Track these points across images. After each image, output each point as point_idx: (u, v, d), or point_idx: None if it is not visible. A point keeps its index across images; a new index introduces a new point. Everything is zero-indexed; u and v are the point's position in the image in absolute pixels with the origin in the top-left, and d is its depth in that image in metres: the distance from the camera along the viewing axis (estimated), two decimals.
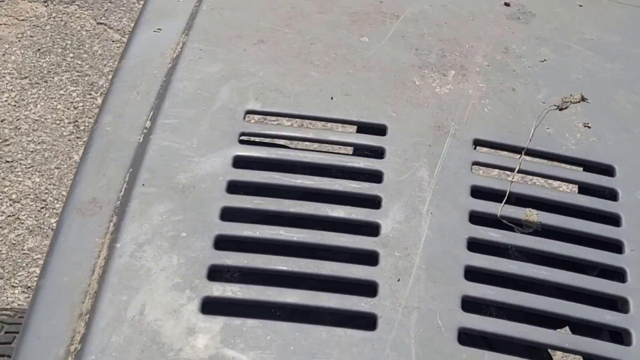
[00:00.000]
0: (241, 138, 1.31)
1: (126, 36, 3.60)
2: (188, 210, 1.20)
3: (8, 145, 3.19)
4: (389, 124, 1.35)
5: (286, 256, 1.15)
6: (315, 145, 1.54)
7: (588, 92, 1.46)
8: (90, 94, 3.38)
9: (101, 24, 3.67)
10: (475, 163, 1.31)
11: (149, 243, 1.16)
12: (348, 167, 1.29)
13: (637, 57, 1.57)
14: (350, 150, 1.43)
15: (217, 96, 1.38)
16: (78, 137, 3.22)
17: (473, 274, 1.16)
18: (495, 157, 1.35)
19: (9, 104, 3.32)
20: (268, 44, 1.49)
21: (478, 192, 1.26)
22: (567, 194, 1.32)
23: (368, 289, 1.13)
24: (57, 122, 3.28)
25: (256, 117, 1.34)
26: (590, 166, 1.37)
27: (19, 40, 3.56)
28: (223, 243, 1.17)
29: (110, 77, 3.41)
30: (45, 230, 2.93)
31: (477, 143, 1.34)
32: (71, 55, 3.52)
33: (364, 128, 1.37)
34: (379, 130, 1.34)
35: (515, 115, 1.40)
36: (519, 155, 1.33)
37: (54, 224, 2.97)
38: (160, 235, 1.17)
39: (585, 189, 1.36)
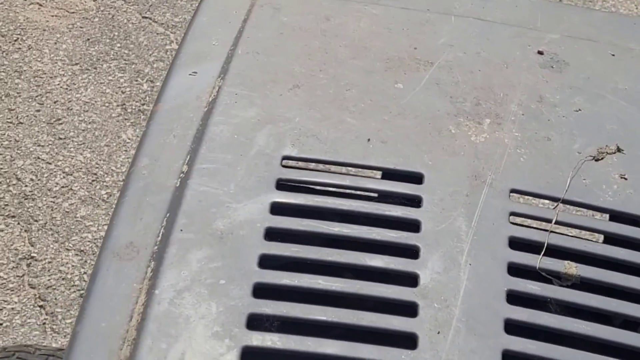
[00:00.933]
0: (279, 184, 1.29)
1: (170, 29, 3.81)
2: (226, 257, 1.19)
3: (61, 124, 3.37)
4: (426, 172, 1.34)
5: (325, 305, 1.14)
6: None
7: (623, 143, 1.44)
8: (136, 80, 3.57)
9: (146, 17, 3.87)
10: (513, 213, 1.29)
11: (187, 290, 1.14)
12: (386, 216, 1.27)
13: None
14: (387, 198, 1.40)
15: (254, 141, 1.37)
16: (126, 119, 3.41)
17: (513, 327, 1.15)
18: (532, 207, 1.35)
19: (61, 87, 3.51)
20: (303, 89, 1.48)
21: (516, 244, 1.25)
22: (605, 246, 1.30)
23: (408, 341, 1.12)
24: (106, 104, 3.47)
25: (293, 162, 1.35)
26: (628, 218, 1.34)
27: (70, 31, 3.75)
28: (262, 291, 1.15)
29: (155, 65, 3.62)
30: (96, 201, 3.11)
31: (514, 193, 1.33)
32: (118, 45, 3.72)
33: (400, 176, 1.35)
34: (416, 178, 1.33)
35: (551, 165, 1.39)
36: (555, 205, 1.32)
37: (105, 195, 3.16)
38: (198, 282, 1.15)
39: (623, 241, 1.32)
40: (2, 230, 2.97)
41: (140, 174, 1.33)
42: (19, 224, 2.99)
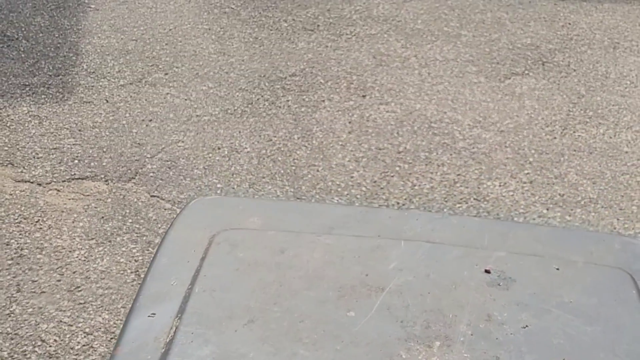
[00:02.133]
0: None
1: (176, 205, 4.19)
2: None
3: (80, 290, 3.67)
4: None
5: None
6: None
7: (571, 357, 1.47)
8: (148, 250, 3.90)
9: (154, 196, 4.26)
10: None
11: None
12: None
13: (615, 319, 1.57)
14: None
15: None
16: (139, 283, 3.72)
17: None
18: None
19: (79, 259, 3.83)
20: (258, 323, 1.50)
21: None
22: None
23: None
24: (121, 272, 3.78)
25: None
26: None
27: (85, 211, 4.13)
28: None
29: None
30: None
31: None
32: (130, 220, 4.08)
33: None
34: None
35: None
36: None
37: None
38: None
39: None
40: None
41: None
42: None
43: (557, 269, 1.69)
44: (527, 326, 1.52)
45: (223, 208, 1.93)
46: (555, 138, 4.94)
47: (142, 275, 3.70)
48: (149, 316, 1.54)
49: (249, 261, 1.66)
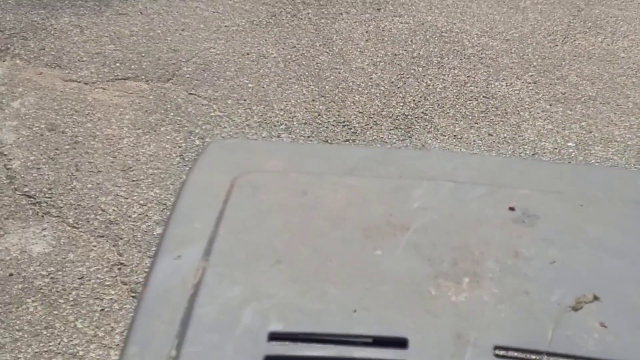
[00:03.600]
0: None
1: (212, 102, 4.60)
2: None
3: (132, 171, 4.08)
4: (410, 336, 1.34)
5: None
6: None
7: (599, 291, 1.44)
8: (190, 138, 4.31)
9: (192, 94, 4.66)
10: None
11: None
12: None
13: None
14: None
15: (240, 320, 1.37)
16: (185, 165, 4.13)
17: None
18: None
19: (129, 145, 4.24)
20: (285, 263, 1.48)
21: None
22: None
23: None
24: (167, 156, 4.19)
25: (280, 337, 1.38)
26: None
27: (130, 106, 4.53)
28: None
29: (203, 127, 4.38)
30: None
31: (498, 349, 1.33)
32: (172, 114, 4.49)
33: (386, 342, 1.36)
34: (401, 343, 1.34)
35: (532, 319, 1.39)
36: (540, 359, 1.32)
37: None
38: None
39: None
40: (95, 245, 3.62)
41: None
42: (107, 241, 3.65)
43: (581, 205, 1.67)
44: (554, 262, 1.50)
45: (243, 151, 1.93)
46: (557, 46, 5.33)
47: (187, 159, 4.12)
48: (174, 259, 1.51)
49: (272, 203, 1.64)
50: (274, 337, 1.34)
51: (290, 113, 4.56)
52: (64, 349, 3.17)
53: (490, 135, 4.48)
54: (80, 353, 3.16)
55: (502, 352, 1.32)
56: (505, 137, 4.46)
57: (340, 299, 1.41)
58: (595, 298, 1.43)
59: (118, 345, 3.20)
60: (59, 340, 3.21)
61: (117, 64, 4.87)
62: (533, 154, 4.33)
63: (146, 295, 1.45)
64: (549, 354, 1.31)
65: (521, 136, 4.48)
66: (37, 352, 3.15)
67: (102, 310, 3.35)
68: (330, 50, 5.14)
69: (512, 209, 1.63)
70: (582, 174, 1.90)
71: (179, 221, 1.63)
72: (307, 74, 4.90)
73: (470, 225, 1.59)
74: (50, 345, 3.18)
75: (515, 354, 1.34)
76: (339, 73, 4.93)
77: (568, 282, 1.46)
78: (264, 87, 4.75)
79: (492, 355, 1.31)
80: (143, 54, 4.98)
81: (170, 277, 1.48)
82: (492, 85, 4.90)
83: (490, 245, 1.53)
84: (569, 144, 4.45)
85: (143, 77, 4.77)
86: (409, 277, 1.46)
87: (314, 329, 1.35)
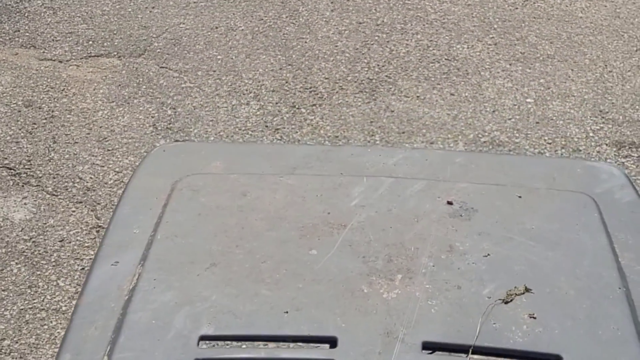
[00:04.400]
0: None
1: (183, 74, 4.76)
2: None
3: (108, 141, 4.25)
4: (340, 335, 1.35)
5: None
6: None
7: (532, 283, 1.45)
8: (162, 108, 4.47)
9: (163, 67, 4.82)
10: None
11: None
12: None
13: (577, 242, 1.56)
14: None
15: (171, 324, 1.37)
16: (157, 134, 4.28)
17: None
18: (444, 358, 1.35)
19: (103, 118, 4.40)
20: (220, 266, 1.48)
21: None
22: None
23: None
24: (141, 126, 4.35)
25: (210, 341, 1.40)
26: (538, 358, 1.35)
27: (104, 80, 4.69)
28: None
29: (175, 98, 4.54)
30: None
31: (426, 346, 1.34)
32: (144, 87, 4.65)
33: (315, 341, 1.37)
34: (331, 342, 1.35)
35: (462, 313, 1.39)
36: (466, 355, 1.33)
37: None
38: None
39: None
40: (74, 211, 3.79)
41: None
42: (85, 206, 3.82)
43: (520, 196, 1.68)
44: (488, 255, 1.51)
45: (185, 154, 1.94)
46: (517, 9, 5.51)
47: (159, 128, 4.28)
48: (112, 265, 1.53)
49: (211, 206, 1.65)
50: (205, 340, 1.36)
51: (259, 82, 4.72)
52: (47, 305, 3.34)
53: (452, 94, 4.66)
54: (63, 308, 3.33)
55: (429, 349, 1.34)
56: (466, 96, 4.64)
57: (273, 300, 1.42)
58: (527, 290, 1.44)
59: None
60: (42, 297, 3.37)
61: (90, 42, 5.03)
62: (493, 111, 4.51)
63: (82, 302, 1.46)
64: (476, 349, 1.33)
65: (482, 94, 4.66)
66: (22, 309, 3.31)
67: (83, 269, 3.52)
68: (296, 21, 5.30)
69: (450, 202, 1.64)
70: (522, 165, 1.90)
71: (118, 226, 1.64)
72: (274, 44, 5.06)
73: (407, 220, 1.59)
74: (34, 302, 3.35)
75: (443, 352, 1.35)
76: (306, 42, 5.09)
77: (501, 275, 1.47)
78: (232, 59, 4.91)
79: (419, 351, 1.33)
80: (115, 32, 5.13)
81: (106, 284, 1.49)
82: (454, 48, 5.07)
83: (426, 241, 1.54)
84: (528, 99, 4.64)
85: (115, 53, 4.93)
86: (342, 275, 1.47)
87: (245, 331, 1.37)
